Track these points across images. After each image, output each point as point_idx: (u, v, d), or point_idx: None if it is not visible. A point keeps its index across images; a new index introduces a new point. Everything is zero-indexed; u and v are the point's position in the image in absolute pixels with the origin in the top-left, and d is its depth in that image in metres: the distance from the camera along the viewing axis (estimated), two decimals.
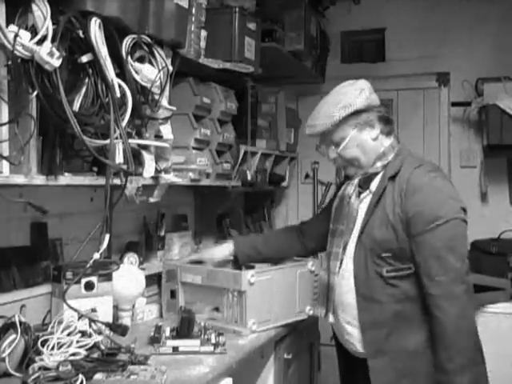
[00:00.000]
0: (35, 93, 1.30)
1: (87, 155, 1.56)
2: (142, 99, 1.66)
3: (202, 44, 2.11)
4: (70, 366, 1.32)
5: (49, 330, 1.50)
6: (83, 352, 1.43)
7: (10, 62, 1.25)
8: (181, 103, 1.98)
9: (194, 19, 2.02)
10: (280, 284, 1.97)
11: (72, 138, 1.48)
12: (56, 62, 1.29)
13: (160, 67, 1.70)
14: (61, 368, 1.32)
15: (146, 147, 1.75)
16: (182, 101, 2.04)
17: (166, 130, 1.84)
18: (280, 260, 2.07)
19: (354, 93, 1.66)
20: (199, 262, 2.08)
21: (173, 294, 2.07)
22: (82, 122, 1.41)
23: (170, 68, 1.79)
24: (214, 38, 2.18)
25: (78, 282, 1.64)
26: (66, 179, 1.50)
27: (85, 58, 1.43)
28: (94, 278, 1.70)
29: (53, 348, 1.40)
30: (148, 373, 1.37)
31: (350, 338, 1.70)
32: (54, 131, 1.44)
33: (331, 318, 1.74)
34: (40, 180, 1.42)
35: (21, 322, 1.41)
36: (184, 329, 1.72)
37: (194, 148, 2.21)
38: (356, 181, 1.72)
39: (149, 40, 1.67)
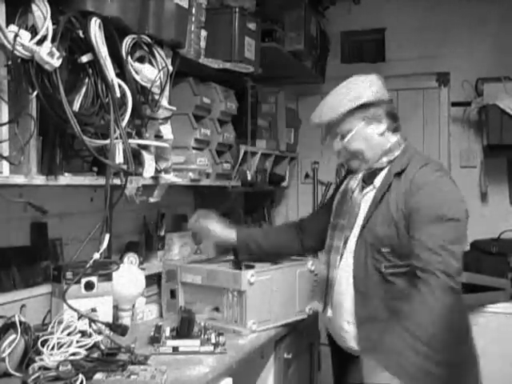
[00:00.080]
0: (35, 93, 1.30)
1: (87, 155, 1.56)
2: (142, 99, 1.66)
3: (202, 44, 2.11)
4: (69, 366, 1.32)
5: (49, 329, 1.50)
6: (83, 352, 1.43)
7: (10, 62, 1.25)
8: (181, 103, 1.98)
9: (194, 19, 2.02)
10: (280, 284, 1.97)
11: (72, 138, 1.47)
12: (56, 62, 1.29)
13: (160, 67, 1.70)
14: (61, 368, 1.32)
15: (146, 147, 1.75)
16: (182, 101, 2.04)
17: (166, 130, 1.84)
18: (278, 257, 2.06)
19: (364, 86, 1.66)
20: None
21: (173, 294, 2.07)
22: (82, 121, 1.41)
23: (170, 68, 1.79)
24: (214, 38, 2.18)
25: (78, 282, 1.64)
26: (65, 179, 1.50)
27: (85, 58, 1.43)
28: (94, 278, 1.70)
29: (53, 348, 1.40)
30: (148, 373, 1.37)
31: (345, 334, 1.70)
32: (54, 131, 1.44)
33: (329, 313, 1.73)
34: (40, 180, 1.42)
35: (21, 322, 1.41)
36: (184, 329, 1.72)
37: (194, 148, 2.21)
38: (360, 175, 1.71)
39: (149, 40, 1.67)
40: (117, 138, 1.52)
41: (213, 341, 1.69)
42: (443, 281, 1.48)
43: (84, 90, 1.44)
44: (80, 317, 1.56)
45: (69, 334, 1.47)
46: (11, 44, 1.23)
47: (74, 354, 1.41)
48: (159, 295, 2.16)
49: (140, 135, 1.73)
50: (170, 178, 1.89)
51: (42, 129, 1.39)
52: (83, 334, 1.49)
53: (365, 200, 1.69)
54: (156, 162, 1.81)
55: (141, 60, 1.66)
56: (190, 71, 2.15)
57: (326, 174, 3.47)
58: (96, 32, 1.42)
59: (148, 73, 1.64)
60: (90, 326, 1.54)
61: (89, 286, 1.69)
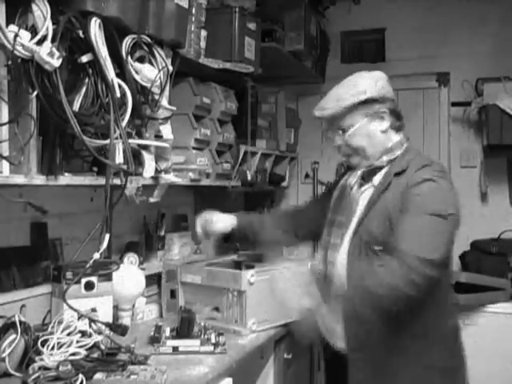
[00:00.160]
0: (35, 93, 1.30)
1: (87, 155, 1.56)
2: (142, 99, 1.66)
3: (202, 44, 2.11)
4: (69, 366, 1.32)
5: (49, 329, 1.50)
6: (83, 352, 1.43)
7: (10, 62, 1.25)
8: (181, 103, 1.98)
9: (194, 19, 2.02)
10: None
11: (72, 137, 1.47)
12: (56, 62, 1.29)
13: (160, 67, 1.70)
14: (61, 368, 1.32)
15: (146, 147, 1.75)
16: (182, 101, 2.04)
17: (166, 130, 1.84)
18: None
19: (369, 81, 1.65)
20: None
21: (173, 294, 2.07)
22: (82, 121, 1.41)
23: (170, 68, 1.79)
24: (214, 38, 2.18)
25: (78, 282, 1.65)
26: (65, 179, 1.50)
27: (85, 58, 1.43)
28: (94, 278, 1.70)
29: (53, 348, 1.40)
30: (148, 373, 1.37)
31: (334, 330, 1.65)
32: (54, 131, 1.44)
33: (325, 310, 1.73)
34: (40, 180, 1.42)
35: (21, 322, 1.41)
36: (184, 329, 1.72)
37: (194, 148, 2.21)
38: (359, 172, 1.70)
39: (149, 40, 1.67)
40: (117, 138, 1.52)
41: (213, 341, 1.69)
42: (418, 265, 1.45)
43: (84, 90, 1.44)
44: (80, 317, 1.56)
45: (69, 334, 1.47)
46: (11, 44, 1.23)
47: (74, 354, 1.41)
48: (159, 295, 2.16)
49: (140, 135, 1.73)
50: (170, 177, 1.89)
51: (41, 129, 1.39)
52: (83, 334, 1.49)
53: (363, 197, 1.67)
54: (156, 162, 1.81)
55: (141, 60, 1.66)
56: (190, 71, 2.15)
57: (325, 174, 3.46)
58: (96, 32, 1.42)
59: (148, 73, 1.64)
60: (90, 326, 1.54)
61: (89, 286, 1.69)
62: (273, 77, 2.99)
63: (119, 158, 1.55)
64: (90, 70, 1.44)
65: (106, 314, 1.69)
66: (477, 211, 3.34)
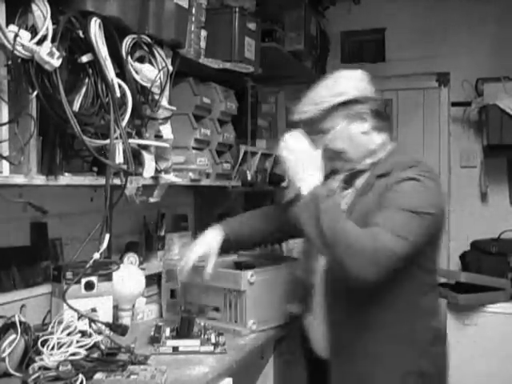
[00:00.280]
0: (35, 93, 1.30)
1: (87, 155, 1.56)
2: (142, 99, 1.66)
3: (202, 44, 2.11)
4: (70, 366, 1.32)
5: (49, 329, 1.50)
6: (83, 352, 1.43)
7: (10, 62, 1.25)
8: (181, 103, 1.97)
9: (194, 19, 2.02)
10: (279, 283, 1.97)
11: (72, 137, 1.47)
12: (56, 62, 1.29)
13: (160, 67, 1.70)
14: (61, 368, 1.32)
15: (146, 147, 1.75)
16: (182, 101, 2.04)
17: (166, 130, 1.84)
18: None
19: (349, 81, 1.59)
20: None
21: (173, 294, 2.06)
22: (82, 122, 1.41)
23: (170, 68, 1.79)
24: (214, 38, 2.18)
25: (78, 282, 1.64)
26: (65, 179, 1.50)
27: (85, 58, 1.43)
28: (94, 278, 1.70)
29: (53, 348, 1.40)
30: (148, 373, 1.37)
31: (319, 339, 1.65)
32: (54, 131, 1.43)
33: (309, 319, 1.70)
34: (40, 180, 1.41)
35: (21, 322, 1.41)
36: (184, 329, 1.72)
37: (193, 148, 2.21)
38: (341, 176, 1.64)
39: (149, 40, 1.67)
40: (117, 138, 1.52)
41: (213, 341, 1.69)
42: (390, 239, 1.37)
43: (84, 90, 1.44)
44: (80, 317, 1.56)
45: (69, 334, 1.47)
46: (11, 44, 1.23)
47: (74, 354, 1.41)
48: (159, 295, 2.15)
49: (140, 135, 1.73)
50: (170, 177, 1.89)
51: (41, 129, 1.39)
52: (83, 334, 1.49)
53: (344, 202, 1.60)
54: (156, 162, 1.81)
55: (141, 60, 1.66)
56: (190, 71, 2.15)
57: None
58: (96, 32, 1.42)
59: (148, 73, 1.64)
60: (90, 326, 1.54)
61: (89, 286, 1.69)
62: (273, 77, 2.99)
63: (119, 158, 1.55)
64: (90, 70, 1.44)
65: (105, 314, 1.69)
66: (477, 211, 3.35)
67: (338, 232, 1.39)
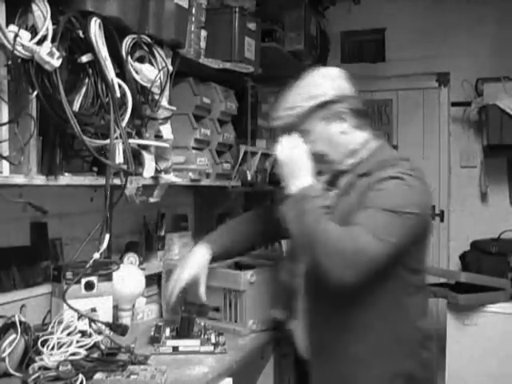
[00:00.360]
0: (35, 93, 1.29)
1: (87, 155, 1.55)
2: (142, 99, 1.66)
3: (202, 44, 2.11)
4: (70, 366, 1.32)
5: (49, 329, 1.50)
6: (83, 352, 1.43)
7: (10, 62, 1.25)
8: (181, 103, 1.97)
9: (194, 19, 2.02)
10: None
11: (72, 137, 1.47)
12: (56, 62, 1.29)
13: (160, 67, 1.70)
14: (61, 368, 1.32)
15: (146, 147, 1.75)
16: (182, 101, 2.04)
17: (166, 130, 1.84)
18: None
19: (323, 82, 1.54)
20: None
21: None
22: (82, 121, 1.41)
23: (170, 68, 1.79)
24: (214, 38, 2.18)
25: (78, 282, 1.64)
26: (65, 179, 1.50)
27: (85, 58, 1.43)
28: (94, 278, 1.70)
29: (53, 348, 1.40)
30: (148, 373, 1.37)
31: (302, 340, 1.65)
32: (54, 131, 1.43)
33: (293, 324, 1.69)
34: (40, 180, 1.41)
35: (21, 322, 1.41)
36: (184, 329, 1.72)
37: (193, 148, 2.21)
38: (324, 178, 1.61)
39: (149, 40, 1.67)
40: (117, 138, 1.52)
41: (213, 341, 1.69)
42: (370, 240, 1.34)
43: (84, 90, 1.44)
44: (80, 317, 1.56)
45: (69, 334, 1.47)
46: (11, 44, 1.23)
47: (74, 354, 1.41)
48: (159, 295, 2.15)
49: (140, 135, 1.73)
50: (170, 177, 1.89)
51: (41, 129, 1.39)
52: (83, 333, 1.49)
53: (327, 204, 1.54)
54: (156, 162, 1.81)
55: (141, 60, 1.66)
56: (190, 71, 2.15)
57: None
58: (96, 32, 1.42)
59: (148, 73, 1.64)
60: (90, 325, 1.54)
61: (89, 286, 1.69)
62: (273, 77, 2.99)
63: (119, 158, 1.55)
64: (90, 70, 1.44)
65: (105, 314, 1.69)
66: (477, 211, 3.35)
67: (319, 233, 1.37)
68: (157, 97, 1.71)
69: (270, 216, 1.78)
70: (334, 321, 1.52)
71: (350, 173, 1.56)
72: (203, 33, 2.11)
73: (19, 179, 1.35)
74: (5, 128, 1.28)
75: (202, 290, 1.76)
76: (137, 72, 1.62)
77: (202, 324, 1.79)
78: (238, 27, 2.30)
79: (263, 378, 1.97)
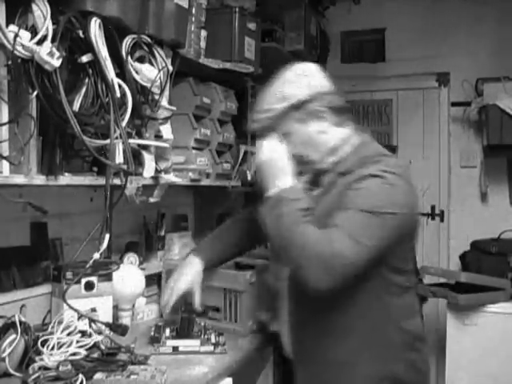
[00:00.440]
0: (35, 93, 1.30)
1: (87, 155, 1.56)
2: (142, 99, 1.66)
3: (202, 44, 2.12)
4: (70, 366, 1.32)
5: (49, 329, 1.50)
6: (83, 352, 1.43)
7: (10, 62, 1.25)
8: (181, 103, 1.98)
9: (194, 19, 2.02)
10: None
11: (72, 137, 1.47)
12: (56, 62, 1.29)
13: (160, 67, 1.70)
14: (61, 368, 1.32)
15: (146, 147, 1.75)
16: (181, 101, 2.04)
17: (166, 130, 1.84)
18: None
19: (297, 81, 1.49)
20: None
21: None
22: (82, 122, 1.41)
23: (170, 68, 1.79)
24: (214, 38, 2.18)
25: (78, 282, 1.64)
26: (65, 179, 1.50)
27: (85, 58, 1.43)
28: (94, 278, 1.70)
29: (53, 348, 1.40)
30: (148, 373, 1.37)
31: (287, 344, 1.64)
32: (54, 131, 1.43)
33: (276, 326, 1.69)
34: (40, 180, 1.42)
35: (21, 322, 1.41)
36: (184, 329, 1.72)
37: (194, 148, 2.21)
38: (305, 178, 1.58)
39: (149, 40, 1.67)
40: (117, 138, 1.52)
41: (213, 341, 1.69)
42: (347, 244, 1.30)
43: (84, 90, 1.44)
44: (80, 317, 1.56)
45: (69, 334, 1.47)
46: (11, 44, 1.23)
47: (74, 354, 1.41)
48: (159, 295, 2.15)
49: (140, 135, 1.73)
50: (170, 177, 1.89)
51: (41, 129, 1.39)
52: (83, 333, 1.49)
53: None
54: (156, 162, 1.81)
55: (141, 60, 1.66)
56: (190, 71, 2.15)
57: None
58: (96, 32, 1.42)
59: (148, 73, 1.64)
60: (90, 325, 1.54)
61: (89, 286, 1.69)
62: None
63: (119, 158, 1.55)
64: (90, 70, 1.44)
65: (105, 314, 1.69)
66: (477, 211, 3.35)
67: (297, 236, 1.34)
68: (157, 97, 1.71)
69: (254, 219, 1.70)
70: (314, 325, 1.50)
71: (331, 171, 1.51)
72: (203, 33, 2.11)
73: (19, 179, 1.35)
74: (5, 128, 1.28)
75: (197, 299, 1.75)
76: (137, 72, 1.62)
77: (202, 324, 1.79)
78: (238, 27, 2.30)
79: (263, 378, 1.97)
